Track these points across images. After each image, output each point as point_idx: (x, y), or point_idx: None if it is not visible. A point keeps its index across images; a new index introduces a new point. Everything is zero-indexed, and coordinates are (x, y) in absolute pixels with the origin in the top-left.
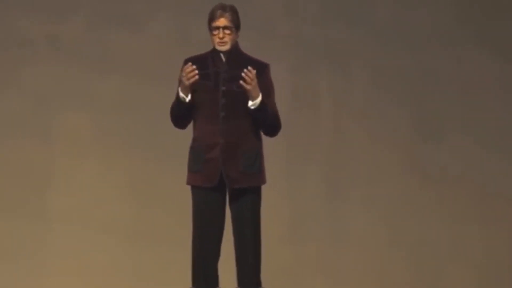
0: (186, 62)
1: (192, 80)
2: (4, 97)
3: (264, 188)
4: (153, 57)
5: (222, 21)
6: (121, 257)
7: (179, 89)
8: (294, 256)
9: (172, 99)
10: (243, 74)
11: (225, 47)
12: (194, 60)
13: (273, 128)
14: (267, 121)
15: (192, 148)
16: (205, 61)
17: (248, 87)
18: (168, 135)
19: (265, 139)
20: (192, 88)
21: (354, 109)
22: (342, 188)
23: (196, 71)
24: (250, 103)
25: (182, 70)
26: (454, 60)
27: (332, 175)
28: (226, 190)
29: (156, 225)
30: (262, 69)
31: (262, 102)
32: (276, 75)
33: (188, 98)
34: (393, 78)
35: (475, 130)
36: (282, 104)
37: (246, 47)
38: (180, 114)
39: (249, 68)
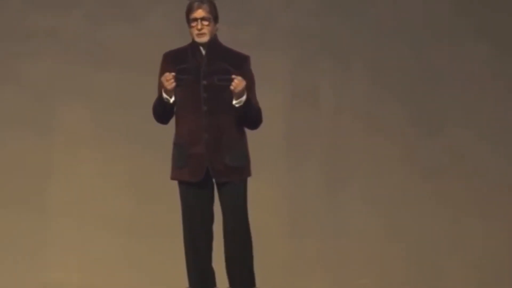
0: (165, 56)
1: (173, 85)
2: (3, 91)
3: (263, 184)
4: (152, 51)
5: (199, 13)
6: (121, 252)
7: (162, 90)
8: (293, 251)
9: None
10: (232, 85)
11: (204, 39)
12: (173, 54)
13: (255, 123)
14: (251, 117)
15: (175, 144)
16: (185, 55)
17: (236, 91)
18: (167, 130)
19: (265, 135)
20: (171, 91)
21: (354, 104)
22: (342, 183)
23: (173, 79)
24: (234, 101)
25: (161, 67)
26: (454, 55)
27: (331, 170)
28: (212, 184)
29: (155, 219)
30: (242, 62)
31: (247, 100)
32: (276, 69)
33: (172, 99)
34: (393, 73)
35: (474, 125)
36: (282, 98)
37: (247, 41)
38: (164, 113)
39: (233, 76)
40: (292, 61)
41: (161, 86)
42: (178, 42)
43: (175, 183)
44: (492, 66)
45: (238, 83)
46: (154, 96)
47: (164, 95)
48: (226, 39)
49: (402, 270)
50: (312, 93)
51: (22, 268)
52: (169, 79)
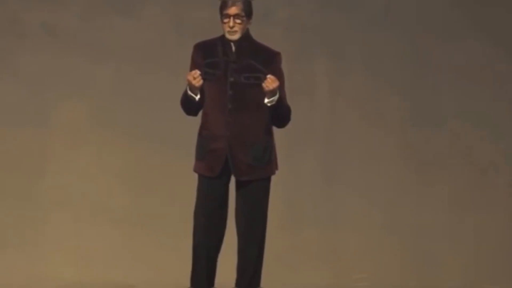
0: (195, 47)
1: (200, 83)
2: (0, 84)
3: None
4: (149, 44)
5: (233, 10)
6: (118, 245)
7: (187, 87)
8: (290, 241)
9: (168, 86)
10: (264, 84)
11: (235, 36)
12: (203, 45)
13: (284, 121)
14: (282, 115)
15: (199, 135)
16: (215, 48)
17: (267, 89)
18: (165, 123)
19: None
20: (197, 88)
21: (350, 94)
22: (338, 173)
23: (200, 77)
24: (266, 100)
25: (192, 57)
26: (450, 45)
27: (328, 161)
28: (229, 181)
29: (153, 213)
30: (272, 58)
31: (279, 99)
32: None
33: (197, 97)
34: (389, 64)
35: (471, 116)
36: None
37: None
38: (191, 109)
39: (268, 76)
40: (288, 54)
41: (188, 83)
42: (176, 35)
43: (173, 176)
44: (488, 57)
45: (270, 82)
46: (153, 88)
47: (189, 92)
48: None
49: (398, 262)
50: (308, 87)
51: (18, 261)
52: (196, 77)
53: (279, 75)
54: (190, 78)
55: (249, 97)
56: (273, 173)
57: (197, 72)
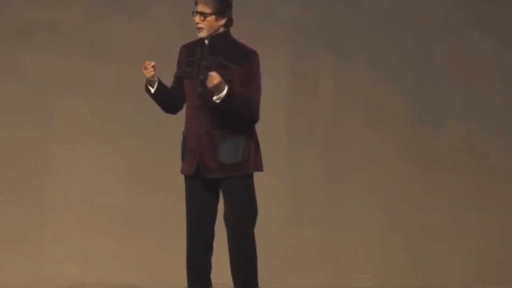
0: (180, 48)
1: (150, 74)
2: (3, 84)
3: (263, 174)
4: (153, 44)
5: (199, 7)
6: (120, 244)
7: (145, 81)
8: (293, 241)
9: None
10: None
11: (202, 34)
12: (187, 46)
13: (244, 118)
14: (236, 112)
15: (183, 135)
16: (195, 48)
17: (209, 86)
18: (167, 123)
19: (265, 127)
20: (153, 81)
21: (354, 94)
22: (342, 173)
23: (151, 68)
24: (214, 97)
25: (178, 57)
26: (453, 45)
27: (331, 161)
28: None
29: (155, 212)
30: (245, 57)
31: (226, 95)
32: (276, 61)
33: (153, 90)
34: (393, 63)
35: (474, 116)
36: (282, 90)
37: (246, 34)
38: (159, 104)
39: (210, 73)
40: (291, 54)
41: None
42: (179, 35)
43: (174, 176)
44: (494, 59)
45: (210, 79)
46: None
47: (147, 84)
48: None
49: (402, 262)
50: (312, 86)
51: (22, 261)
52: (148, 68)
53: (252, 74)
54: (143, 68)
55: None
56: (249, 172)
57: (150, 63)
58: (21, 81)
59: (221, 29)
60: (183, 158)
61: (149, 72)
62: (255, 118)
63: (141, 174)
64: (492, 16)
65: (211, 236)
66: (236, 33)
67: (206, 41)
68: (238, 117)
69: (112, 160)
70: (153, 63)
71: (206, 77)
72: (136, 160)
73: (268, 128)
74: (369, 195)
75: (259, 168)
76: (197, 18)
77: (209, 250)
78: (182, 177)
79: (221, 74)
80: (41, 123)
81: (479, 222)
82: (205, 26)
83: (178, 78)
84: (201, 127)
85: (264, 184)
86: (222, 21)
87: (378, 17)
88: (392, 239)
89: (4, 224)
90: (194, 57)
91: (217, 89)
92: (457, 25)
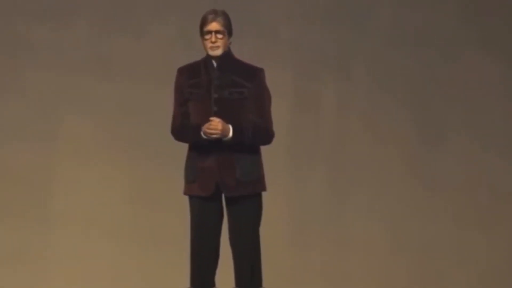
0: (179, 71)
1: (217, 135)
2: (7, 101)
3: (267, 193)
4: (156, 62)
5: (214, 26)
6: (124, 261)
7: (202, 132)
8: (297, 260)
9: None
10: (206, 127)
11: (217, 52)
12: (187, 68)
13: (262, 143)
14: (250, 142)
15: (188, 157)
16: (197, 69)
17: (214, 136)
18: (171, 140)
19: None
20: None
21: (357, 113)
22: (345, 192)
23: (220, 132)
24: (223, 139)
25: (175, 82)
26: (458, 63)
27: (335, 179)
28: (221, 198)
29: (159, 229)
30: (254, 74)
31: (233, 136)
32: (280, 79)
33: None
34: (396, 82)
35: (478, 134)
36: (286, 108)
37: (250, 52)
38: (193, 141)
39: (211, 118)
40: (294, 71)
41: (204, 130)
42: (182, 52)
43: (177, 194)
44: (496, 74)
45: (212, 127)
46: (158, 106)
47: (204, 136)
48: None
49: (406, 281)
50: (315, 103)
51: (25, 278)
52: (213, 133)
53: (262, 92)
54: (207, 127)
55: (234, 113)
56: (264, 189)
57: (217, 123)
58: (24, 98)
59: (227, 48)
60: (194, 179)
61: (216, 135)
62: (271, 137)
63: (144, 191)
64: (499, 35)
65: (218, 255)
66: (240, 52)
67: (213, 61)
68: (253, 145)
69: (116, 177)
70: (219, 120)
71: (220, 96)
72: (140, 178)
73: (271, 146)
74: (373, 214)
75: (265, 187)
76: (214, 37)
77: (215, 269)
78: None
79: (237, 93)
80: (45, 140)
81: (483, 241)
82: (221, 44)
83: (184, 102)
84: (218, 146)
85: (267, 202)
86: (229, 40)
87: (382, 35)
88: (397, 258)
89: (7, 241)
90: (199, 78)
91: (223, 132)
92: (461, 43)
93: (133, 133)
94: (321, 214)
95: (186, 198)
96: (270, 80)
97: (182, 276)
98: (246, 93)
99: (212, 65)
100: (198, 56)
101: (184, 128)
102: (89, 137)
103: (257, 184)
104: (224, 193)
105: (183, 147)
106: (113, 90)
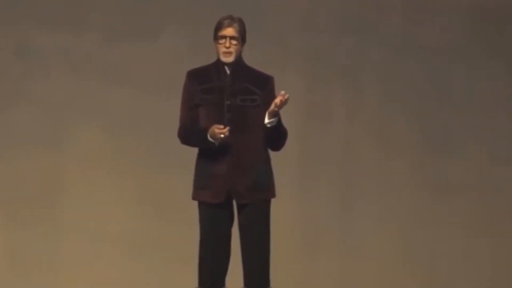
0: (189, 74)
1: (225, 136)
2: (16, 109)
3: (276, 201)
4: (165, 70)
5: (229, 31)
6: (132, 270)
7: (209, 134)
8: (305, 268)
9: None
10: (278, 99)
11: (230, 58)
12: (197, 72)
13: (281, 143)
14: (279, 137)
15: (198, 163)
16: (208, 74)
17: (278, 109)
18: (179, 148)
19: (278, 153)
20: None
21: (367, 122)
22: (354, 201)
23: (227, 133)
24: (266, 120)
25: (185, 85)
26: (466, 73)
27: (344, 188)
28: (232, 204)
29: (167, 239)
30: (265, 82)
31: (279, 120)
32: (289, 88)
33: (217, 143)
34: (406, 92)
35: (487, 143)
36: (295, 117)
37: (260, 61)
38: (200, 146)
39: (283, 92)
40: (305, 80)
41: (212, 131)
42: (191, 60)
43: (187, 202)
44: (504, 84)
45: (283, 100)
46: (167, 114)
47: (211, 139)
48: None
49: None
50: (324, 111)
51: (33, 284)
52: (224, 132)
53: (271, 98)
54: (217, 129)
55: (246, 119)
56: (274, 196)
57: (226, 129)
58: (34, 106)
59: (239, 55)
60: (204, 186)
61: (225, 136)
62: (284, 144)
63: (153, 200)
64: (505, 43)
65: (228, 262)
66: (250, 60)
67: (226, 67)
68: (276, 142)
69: (124, 186)
70: (228, 128)
71: (232, 102)
72: (148, 187)
73: (280, 155)
74: (382, 223)
75: (275, 193)
76: (228, 42)
77: (225, 275)
78: (194, 204)
79: (250, 100)
80: (53, 148)
81: (492, 249)
82: (234, 50)
83: (194, 106)
84: (230, 152)
85: (277, 211)
86: (242, 47)
87: (392, 46)
88: (405, 267)
89: (15, 249)
90: (210, 83)
91: (274, 113)
92: (470, 53)
93: (143, 141)
94: (329, 222)
95: (195, 206)
96: (280, 88)
97: (190, 284)
98: (258, 100)
99: (225, 71)
100: (207, 63)
101: (192, 132)
102: (99, 145)
103: (267, 191)
104: (236, 200)
105: (193, 155)
106: (123, 98)
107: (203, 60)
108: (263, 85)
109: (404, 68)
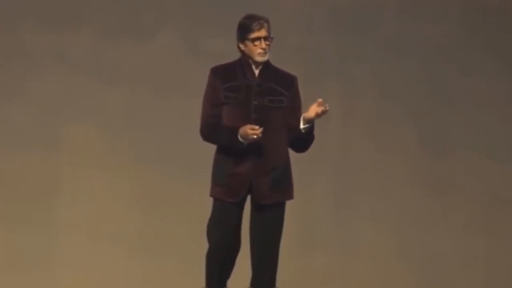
0: (213, 70)
1: (258, 137)
2: (11, 108)
3: None
4: (160, 69)
5: (263, 32)
6: (129, 269)
7: (240, 134)
8: (301, 267)
9: (180, 110)
10: (320, 109)
11: (266, 57)
12: (222, 69)
13: (308, 148)
14: (309, 141)
15: (217, 160)
16: (233, 72)
17: (318, 117)
18: (175, 146)
19: None
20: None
21: (363, 121)
22: (350, 199)
23: (260, 134)
24: (302, 125)
25: (209, 81)
26: (462, 72)
27: (340, 186)
28: (244, 203)
29: (164, 237)
30: (291, 83)
31: (313, 125)
32: None
33: (247, 143)
34: (402, 91)
35: (482, 142)
36: None
37: None
38: (227, 145)
39: (323, 103)
40: (300, 80)
41: (244, 131)
42: (187, 59)
43: (184, 200)
44: (500, 84)
45: (325, 111)
46: (163, 112)
47: (241, 139)
48: (236, 57)
49: (410, 286)
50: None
51: (30, 284)
52: (258, 133)
53: (299, 99)
54: (250, 129)
55: (272, 120)
56: (292, 197)
57: (259, 130)
58: (28, 105)
59: None
60: (223, 183)
61: (258, 136)
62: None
63: (149, 198)
64: (502, 44)
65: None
66: None
67: (253, 66)
68: (304, 145)
69: (121, 184)
70: (262, 129)
71: (259, 102)
72: (145, 185)
73: None
74: (377, 221)
75: (293, 195)
76: (263, 43)
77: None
78: (191, 200)
79: (277, 100)
80: (49, 147)
81: (488, 249)
82: (268, 50)
83: (219, 103)
84: (254, 152)
85: None
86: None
87: (388, 44)
88: (401, 266)
89: (11, 248)
90: (235, 81)
91: (311, 119)
92: (466, 52)
93: (139, 140)
94: (326, 222)
95: (192, 205)
96: None
97: (188, 283)
98: (284, 101)
99: (252, 70)
100: (204, 63)
101: (219, 130)
102: (94, 144)
103: (288, 192)
104: (257, 200)
105: (190, 155)
106: (118, 97)
107: (199, 58)
108: (289, 86)
109: (400, 67)
